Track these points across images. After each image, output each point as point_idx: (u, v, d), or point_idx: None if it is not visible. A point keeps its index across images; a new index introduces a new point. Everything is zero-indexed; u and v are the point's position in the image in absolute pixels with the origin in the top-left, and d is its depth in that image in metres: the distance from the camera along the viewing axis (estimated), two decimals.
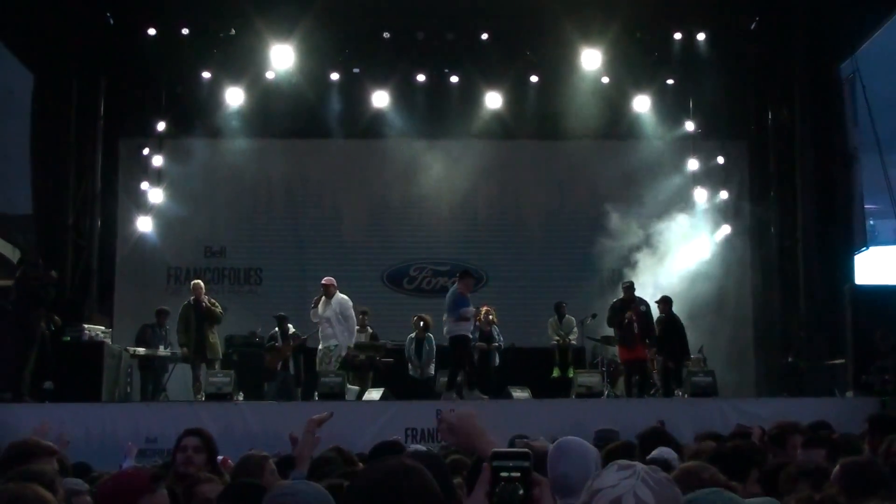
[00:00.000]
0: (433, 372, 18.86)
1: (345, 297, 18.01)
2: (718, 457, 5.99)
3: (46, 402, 16.20)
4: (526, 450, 2.50)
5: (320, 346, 17.77)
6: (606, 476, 2.60)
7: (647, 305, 18.48)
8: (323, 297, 17.82)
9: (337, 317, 17.68)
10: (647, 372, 18.51)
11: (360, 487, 2.87)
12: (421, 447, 8.79)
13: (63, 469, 6.81)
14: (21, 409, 15.51)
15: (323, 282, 17.97)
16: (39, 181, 20.58)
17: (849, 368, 17.61)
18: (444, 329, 17.51)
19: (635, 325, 18.00)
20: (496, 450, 2.50)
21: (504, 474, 2.43)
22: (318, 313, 17.77)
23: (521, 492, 2.42)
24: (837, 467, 5.63)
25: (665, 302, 18.80)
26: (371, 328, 19.62)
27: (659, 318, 18.54)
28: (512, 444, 6.84)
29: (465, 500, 2.48)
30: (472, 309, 17.56)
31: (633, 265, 22.41)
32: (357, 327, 19.37)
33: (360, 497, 2.82)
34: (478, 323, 18.58)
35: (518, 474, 2.43)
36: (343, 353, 17.82)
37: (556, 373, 19.98)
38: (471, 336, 17.62)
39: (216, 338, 18.33)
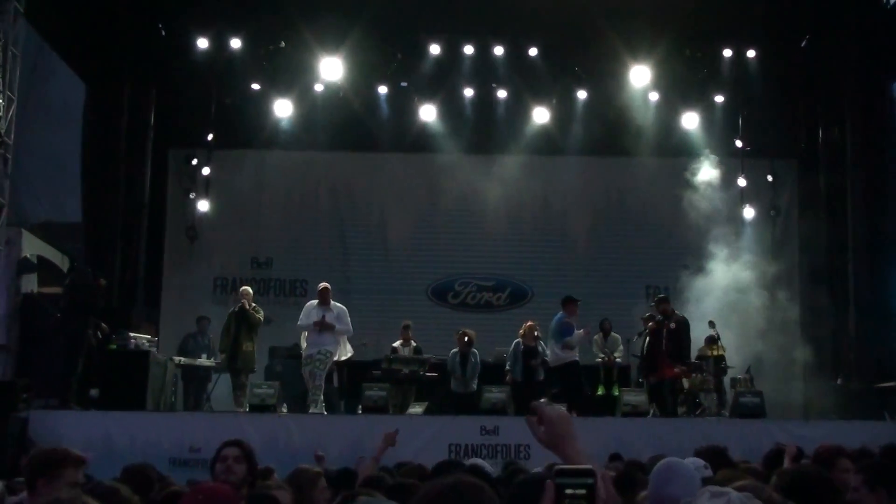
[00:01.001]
0: (476, 387, 18.75)
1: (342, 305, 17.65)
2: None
3: (92, 410, 16.29)
4: (590, 467, 2.46)
5: (315, 351, 17.06)
6: (700, 502, 2.54)
7: (683, 323, 18.17)
8: (317, 301, 17.43)
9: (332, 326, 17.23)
10: (677, 390, 18.21)
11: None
12: (480, 461, 8.68)
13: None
14: (67, 416, 15.64)
15: (325, 286, 17.54)
16: (89, 190, 20.77)
17: None
18: (549, 357, 17.51)
19: (658, 341, 17.79)
20: (560, 467, 2.46)
21: (569, 491, 2.40)
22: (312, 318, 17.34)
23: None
24: None
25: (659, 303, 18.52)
26: (415, 342, 19.55)
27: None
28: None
29: None
30: (579, 334, 17.54)
31: (680, 283, 22.29)
32: (400, 341, 19.36)
33: None
34: (521, 338, 18.49)
35: (583, 492, 2.40)
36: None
37: (600, 391, 19.88)
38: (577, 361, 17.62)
39: (252, 346, 18.02)
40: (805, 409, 20.52)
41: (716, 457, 7.59)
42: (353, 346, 18.32)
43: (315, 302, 17.39)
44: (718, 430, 14.38)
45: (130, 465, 7.91)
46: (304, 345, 17.48)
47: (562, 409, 3.28)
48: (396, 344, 19.40)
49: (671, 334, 17.76)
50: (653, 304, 18.90)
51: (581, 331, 17.52)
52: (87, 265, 18.41)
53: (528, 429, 3.13)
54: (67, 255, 20.16)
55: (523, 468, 8.22)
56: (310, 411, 16.71)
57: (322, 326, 16.90)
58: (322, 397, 17.04)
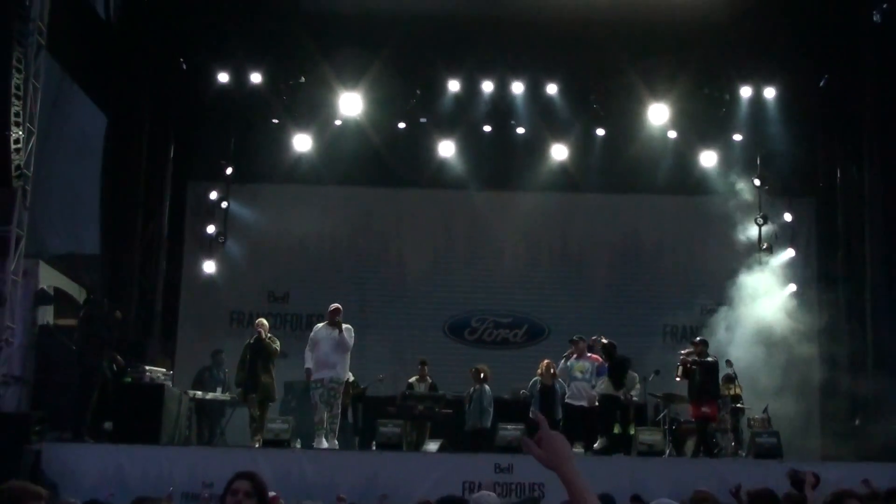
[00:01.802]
0: (489, 424, 18.63)
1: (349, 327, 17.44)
2: None
3: (105, 443, 16.27)
4: None
5: (322, 377, 16.90)
6: None
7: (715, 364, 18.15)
8: (326, 323, 17.31)
9: (343, 345, 17.14)
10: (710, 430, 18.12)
11: None
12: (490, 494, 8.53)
13: None
14: (81, 449, 15.62)
15: (336, 306, 17.32)
16: (108, 222, 20.85)
17: None
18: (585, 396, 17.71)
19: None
20: None
21: None
22: (323, 336, 17.13)
23: None
24: None
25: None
26: (430, 378, 19.49)
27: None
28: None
29: None
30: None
31: (697, 323, 22.21)
32: (416, 377, 19.31)
33: None
34: (539, 377, 18.48)
35: None
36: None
37: (616, 429, 19.76)
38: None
39: (270, 377, 17.88)
40: (823, 450, 20.33)
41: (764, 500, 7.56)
42: (365, 382, 18.35)
43: (323, 323, 17.35)
44: (735, 471, 14.25)
45: (140, 498, 7.85)
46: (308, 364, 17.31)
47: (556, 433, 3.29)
48: (412, 380, 19.36)
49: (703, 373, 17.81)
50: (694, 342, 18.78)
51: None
52: (103, 297, 18.43)
53: (542, 467, 3.11)
54: (84, 287, 20.19)
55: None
56: (325, 439, 16.66)
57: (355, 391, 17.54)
58: (338, 425, 17.05)
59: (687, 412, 18.84)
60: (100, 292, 19.34)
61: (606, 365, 17.98)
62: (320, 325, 17.39)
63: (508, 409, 19.22)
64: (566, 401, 17.92)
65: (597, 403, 17.71)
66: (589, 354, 17.96)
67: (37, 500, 5.59)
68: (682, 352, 18.63)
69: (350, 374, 17.98)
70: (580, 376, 17.72)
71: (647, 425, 19.29)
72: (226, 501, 6.77)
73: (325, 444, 16.77)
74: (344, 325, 17.08)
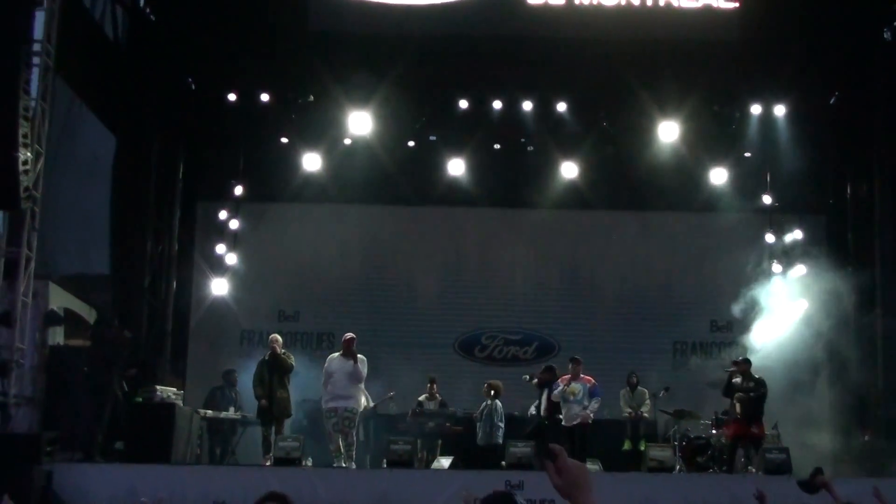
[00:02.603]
0: (500, 440, 18.61)
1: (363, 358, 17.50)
2: None
3: (117, 463, 16.27)
4: None
5: (337, 406, 17.04)
6: None
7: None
8: (340, 354, 17.35)
9: (357, 376, 17.20)
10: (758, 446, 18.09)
11: None
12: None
13: None
14: (92, 470, 15.63)
15: (350, 336, 17.37)
16: (118, 242, 20.88)
17: None
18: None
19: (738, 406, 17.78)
20: None
21: None
22: (336, 368, 17.29)
23: None
24: None
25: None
26: (440, 395, 19.50)
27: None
28: None
29: None
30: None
31: (707, 340, 22.19)
32: (426, 395, 19.33)
33: None
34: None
35: None
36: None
37: (627, 445, 19.74)
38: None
39: (286, 393, 17.89)
40: (834, 466, 20.24)
41: None
42: (376, 398, 18.37)
43: (337, 354, 17.39)
44: (744, 487, 14.18)
45: None
46: (325, 397, 17.41)
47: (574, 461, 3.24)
48: (422, 398, 19.40)
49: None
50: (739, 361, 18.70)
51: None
52: (113, 318, 18.45)
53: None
54: (94, 307, 20.22)
55: None
56: (343, 464, 16.71)
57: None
58: (354, 453, 17.09)
59: (711, 429, 18.85)
60: (110, 312, 19.35)
61: (598, 387, 17.97)
62: (335, 355, 17.47)
63: (519, 426, 19.23)
64: (563, 423, 17.94)
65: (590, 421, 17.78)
66: (582, 376, 17.93)
67: None
68: (730, 370, 18.54)
69: (365, 398, 18.01)
70: (572, 399, 17.75)
71: (658, 441, 19.28)
72: None
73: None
74: (358, 356, 17.18)
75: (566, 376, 18.13)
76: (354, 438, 17.26)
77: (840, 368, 22.20)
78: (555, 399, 18.14)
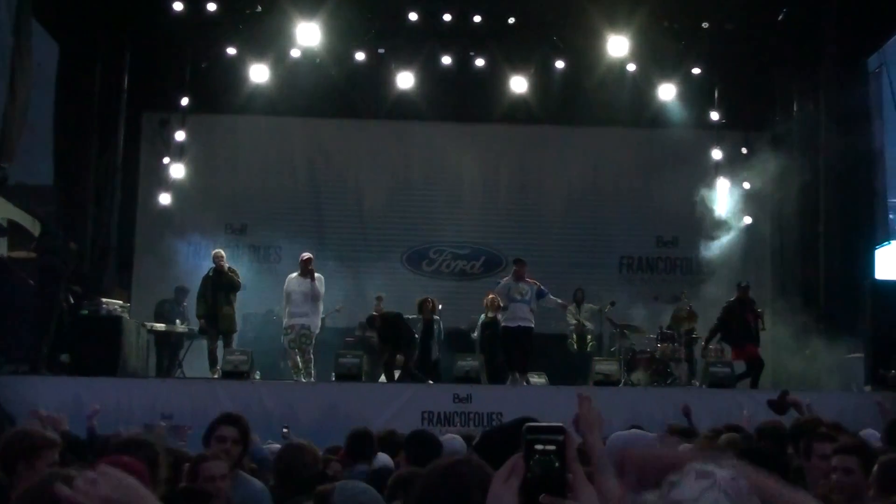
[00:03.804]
0: (439, 355, 18.68)
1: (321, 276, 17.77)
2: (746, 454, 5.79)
3: (63, 375, 16.21)
4: (561, 424, 2.42)
5: (294, 323, 17.34)
6: (685, 487, 2.45)
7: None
8: (298, 274, 17.56)
9: (314, 295, 17.47)
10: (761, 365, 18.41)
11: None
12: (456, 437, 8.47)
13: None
14: (37, 381, 15.57)
15: (308, 256, 17.66)
16: (62, 152, 20.53)
17: (867, 363, 17.57)
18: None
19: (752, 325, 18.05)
20: (530, 424, 2.42)
21: (539, 447, 2.37)
22: (294, 288, 17.48)
23: (556, 464, 2.36)
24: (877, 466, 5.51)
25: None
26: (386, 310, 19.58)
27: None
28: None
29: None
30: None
31: (653, 255, 22.35)
32: (374, 312, 19.39)
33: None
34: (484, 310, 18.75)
35: (553, 447, 2.37)
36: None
37: (572, 347, 19.92)
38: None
39: (232, 310, 18.02)
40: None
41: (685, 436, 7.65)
42: (326, 312, 18.45)
43: (296, 274, 17.47)
44: (688, 400, 14.40)
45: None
46: (285, 318, 17.54)
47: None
48: (373, 312, 19.46)
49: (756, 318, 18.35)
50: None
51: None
52: (58, 229, 18.26)
53: (500, 397, 3.31)
54: (38, 219, 20.00)
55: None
56: (303, 380, 16.95)
57: None
58: (313, 370, 17.21)
59: (656, 343, 19.15)
60: (55, 224, 19.15)
61: (544, 288, 17.94)
62: (293, 275, 17.64)
63: (466, 340, 19.35)
64: (503, 324, 17.88)
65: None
66: (527, 279, 17.84)
67: (52, 448, 5.52)
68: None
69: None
70: (519, 298, 17.59)
71: (603, 356, 19.51)
72: (209, 445, 6.59)
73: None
74: (316, 275, 17.36)
75: (507, 277, 18.14)
76: (312, 356, 17.40)
77: (783, 284, 22.52)
78: (498, 293, 18.06)
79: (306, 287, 17.18)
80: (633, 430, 6.16)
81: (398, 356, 17.93)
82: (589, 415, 3.92)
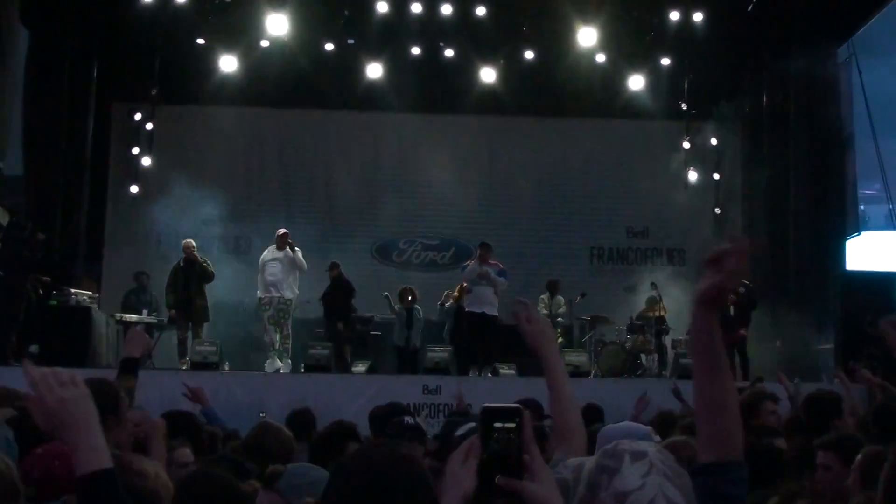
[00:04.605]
0: (419, 344, 18.74)
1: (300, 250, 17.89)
2: None
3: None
4: (518, 406, 2.43)
5: (271, 296, 17.46)
6: (626, 474, 2.42)
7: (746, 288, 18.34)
8: (274, 247, 17.73)
9: (294, 264, 17.56)
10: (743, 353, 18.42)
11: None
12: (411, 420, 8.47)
13: None
14: (6, 372, 15.46)
15: (284, 231, 17.88)
16: (31, 142, 20.43)
17: (836, 354, 17.67)
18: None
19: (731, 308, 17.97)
20: (487, 406, 2.42)
21: (498, 425, 2.37)
22: (270, 258, 17.59)
23: (515, 443, 2.36)
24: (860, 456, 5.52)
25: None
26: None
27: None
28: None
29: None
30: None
31: (623, 246, 22.40)
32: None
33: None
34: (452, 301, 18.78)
35: (512, 425, 2.38)
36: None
37: None
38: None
39: (204, 300, 18.09)
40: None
41: (664, 423, 7.68)
42: (297, 305, 18.47)
43: (272, 246, 17.63)
44: (658, 391, 14.45)
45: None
46: (259, 290, 17.64)
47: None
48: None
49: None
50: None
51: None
52: (27, 219, 18.14)
53: (469, 389, 3.24)
54: (6, 209, 19.86)
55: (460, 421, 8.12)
56: (279, 360, 17.03)
57: None
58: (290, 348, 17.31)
59: (625, 334, 19.23)
60: (22, 214, 19.02)
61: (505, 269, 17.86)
62: (269, 247, 17.59)
63: (436, 330, 19.39)
64: (467, 308, 17.78)
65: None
66: (491, 261, 17.77)
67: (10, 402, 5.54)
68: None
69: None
70: (483, 282, 17.57)
71: (574, 346, 19.55)
72: None
73: (278, 365, 16.97)
74: (296, 248, 17.57)
75: (472, 261, 18.06)
76: (290, 330, 17.43)
77: (753, 276, 22.59)
78: (465, 277, 17.92)
79: (283, 257, 17.31)
80: (627, 423, 6.12)
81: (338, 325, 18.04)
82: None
